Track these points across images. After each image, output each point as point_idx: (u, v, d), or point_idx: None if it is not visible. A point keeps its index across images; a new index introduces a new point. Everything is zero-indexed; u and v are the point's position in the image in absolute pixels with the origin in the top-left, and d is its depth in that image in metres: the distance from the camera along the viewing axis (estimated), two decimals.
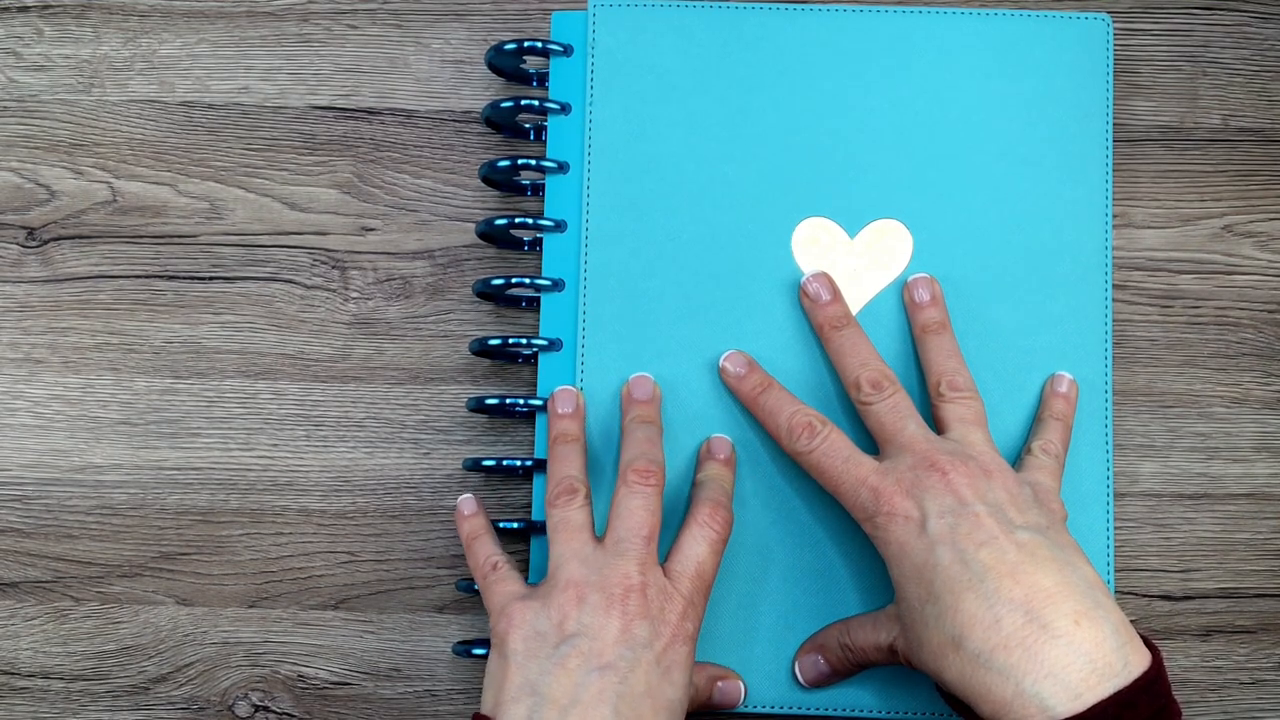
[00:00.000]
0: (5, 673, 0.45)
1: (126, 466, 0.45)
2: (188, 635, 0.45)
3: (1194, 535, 0.44)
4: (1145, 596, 0.44)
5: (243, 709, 0.44)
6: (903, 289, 0.43)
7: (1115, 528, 0.43)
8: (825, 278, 0.42)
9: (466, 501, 0.42)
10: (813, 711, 0.42)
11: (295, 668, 0.44)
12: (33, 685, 0.44)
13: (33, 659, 0.45)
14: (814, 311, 0.42)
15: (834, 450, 0.39)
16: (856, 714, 0.42)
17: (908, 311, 0.43)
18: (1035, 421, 0.42)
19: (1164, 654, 0.44)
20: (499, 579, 0.39)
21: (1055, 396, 0.42)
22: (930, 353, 0.41)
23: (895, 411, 0.39)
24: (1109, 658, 0.32)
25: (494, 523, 0.42)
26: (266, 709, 0.44)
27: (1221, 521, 0.45)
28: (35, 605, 0.45)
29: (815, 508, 0.42)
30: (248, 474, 0.45)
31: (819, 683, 0.41)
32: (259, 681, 0.44)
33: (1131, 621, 0.44)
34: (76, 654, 0.45)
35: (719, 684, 0.41)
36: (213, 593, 0.45)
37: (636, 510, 0.38)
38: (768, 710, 0.42)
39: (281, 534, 0.45)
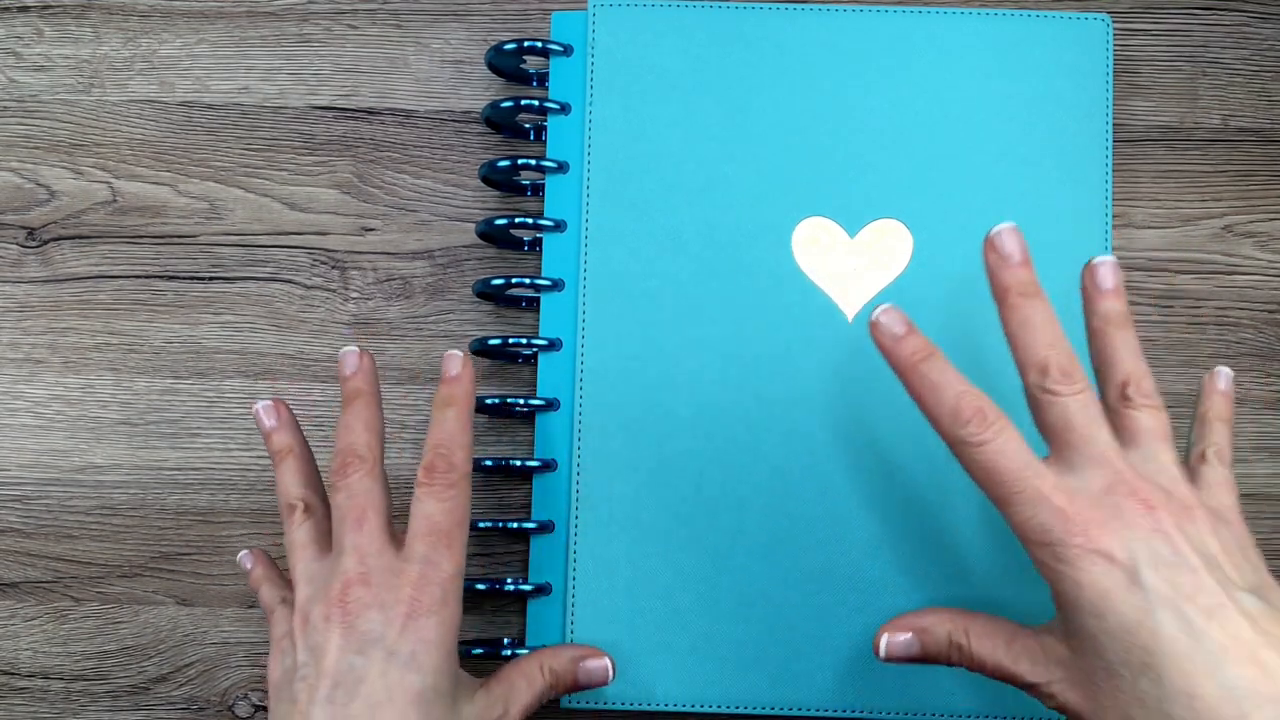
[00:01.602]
0: (5, 673, 0.45)
1: (126, 466, 0.45)
2: (188, 635, 0.45)
3: None
4: None
5: (243, 709, 0.44)
6: (1083, 272, 0.36)
7: None
8: (1018, 235, 0.35)
9: (244, 558, 0.41)
10: (810, 713, 0.42)
11: None
12: (33, 685, 0.44)
13: (33, 659, 0.45)
14: (999, 272, 0.35)
15: (1011, 449, 0.32)
16: (856, 715, 0.42)
17: (1084, 296, 0.36)
18: (1197, 421, 0.38)
19: None
20: (274, 623, 0.38)
21: (1216, 395, 0.37)
22: (1114, 349, 0.35)
23: (1087, 412, 0.33)
24: None
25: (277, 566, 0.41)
26: (266, 709, 0.44)
27: None
28: (35, 605, 0.45)
29: (816, 506, 0.42)
30: (248, 474, 0.45)
31: (901, 663, 0.37)
32: (259, 681, 0.44)
33: None
34: (76, 654, 0.45)
35: (583, 663, 0.39)
36: (213, 593, 0.45)
37: (340, 505, 0.36)
38: (766, 711, 0.42)
39: (281, 534, 0.45)
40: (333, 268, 0.46)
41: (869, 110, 0.44)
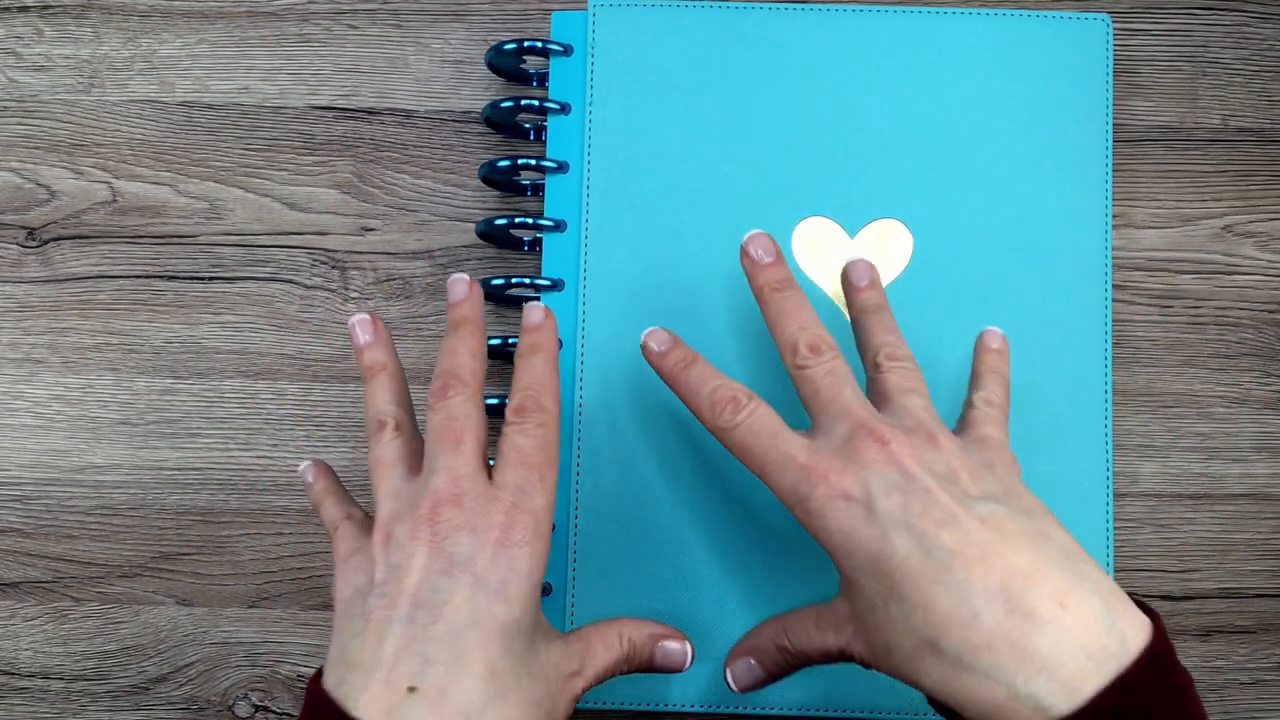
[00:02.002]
0: (5, 673, 0.45)
1: (126, 466, 0.45)
2: (188, 635, 0.45)
3: (1194, 535, 0.44)
4: (1145, 596, 0.44)
5: (243, 709, 0.44)
6: (841, 275, 0.39)
7: (1115, 528, 0.43)
8: (767, 238, 0.38)
9: (306, 470, 0.39)
10: (811, 713, 0.42)
11: (295, 668, 0.44)
12: (33, 685, 0.44)
13: (33, 659, 0.45)
14: (754, 274, 0.37)
15: (760, 425, 0.34)
16: (856, 714, 0.42)
17: (846, 296, 0.39)
18: (971, 377, 0.39)
19: None
20: (337, 539, 0.36)
21: (988, 352, 0.39)
22: (869, 329, 0.38)
23: (832, 375, 0.35)
24: (1102, 639, 0.28)
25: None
26: (266, 709, 0.44)
27: (1221, 521, 0.45)
28: (35, 605, 0.45)
29: None
30: (248, 474, 0.45)
31: (754, 688, 0.37)
32: (259, 681, 0.44)
33: None
34: (76, 654, 0.45)
35: (662, 643, 0.37)
36: (213, 593, 0.45)
37: (437, 425, 0.34)
38: (766, 711, 0.42)
39: (281, 534, 0.45)
40: (333, 268, 0.46)
41: (869, 110, 0.44)
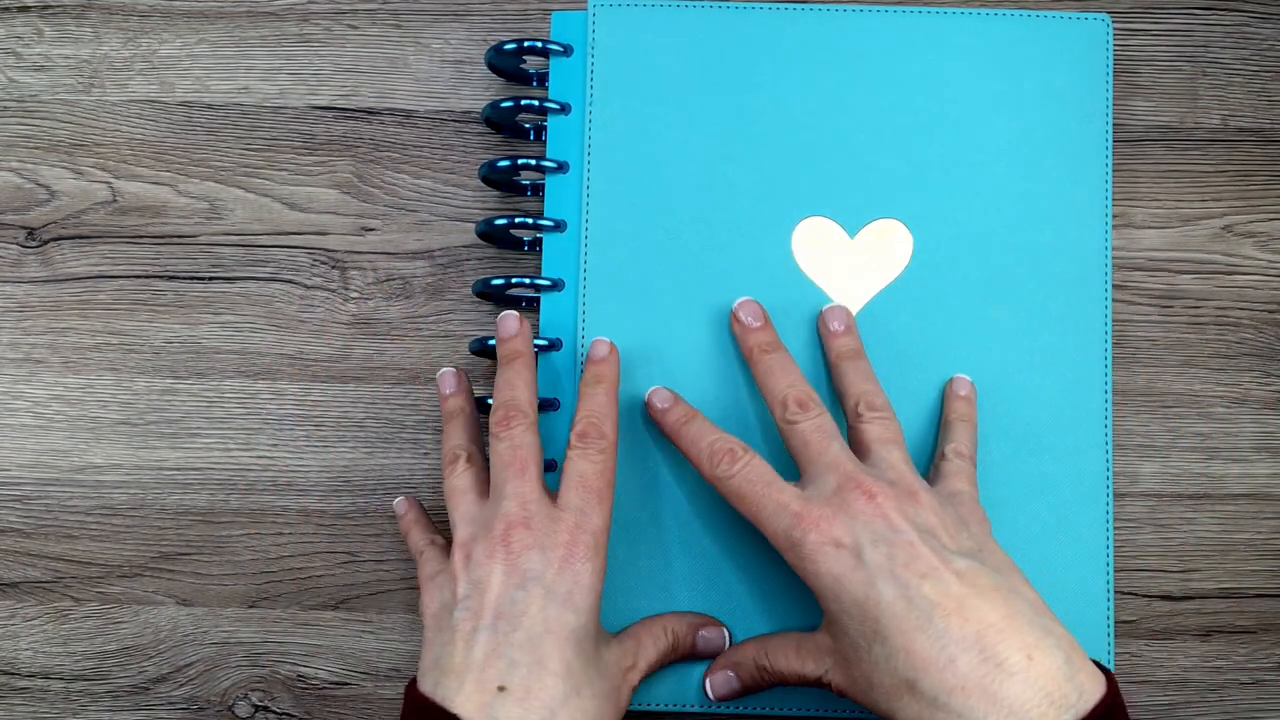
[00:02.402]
0: (5, 673, 0.45)
1: (126, 466, 0.45)
2: (188, 635, 0.45)
3: (1194, 535, 0.44)
4: (1145, 596, 0.44)
5: (243, 709, 0.44)
6: (817, 320, 0.43)
7: (1115, 528, 0.43)
8: (755, 305, 0.42)
9: (399, 504, 0.44)
10: (811, 713, 0.42)
11: (295, 668, 0.44)
12: (33, 685, 0.44)
13: (33, 659, 0.45)
14: (744, 337, 0.42)
15: (755, 475, 0.38)
16: (855, 715, 0.42)
17: (822, 341, 0.42)
18: (941, 425, 0.42)
19: (1157, 659, 0.44)
20: (423, 562, 0.41)
21: (957, 399, 0.42)
22: (847, 377, 0.41)
23: (820, 431, 0.38)
24: (1063, 688, 0.32)
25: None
26: (266, 709, 0.44)
27: (1221, 521, 0.45)
28: (35, 605, 0.45)
29: None
30: (248, 474, 0.45)
31: (729, 699, 0.41)
32: (259, 681, 0.44)
33: (1130, 622, 0.44)
34: (76, 654, 0.45)
35: (701, 632, 0.41)
36: (213, 593, 0.45)
37: (502, 454, 0.39)
38: (766, 711, 0.42)
39: (281, 534, 0.45)
40: (333, 268, 0.46)
41: (869, 110, 0.44)
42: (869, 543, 0.35)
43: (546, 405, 0.43)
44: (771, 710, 0.42)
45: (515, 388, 0.40)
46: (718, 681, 0.41)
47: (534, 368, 0.41)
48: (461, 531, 0.38)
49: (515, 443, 0.39)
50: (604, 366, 0.41)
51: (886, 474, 0.37)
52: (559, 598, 0.36)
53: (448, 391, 0.43)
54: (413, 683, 0.36)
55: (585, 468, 0.38)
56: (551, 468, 0.43)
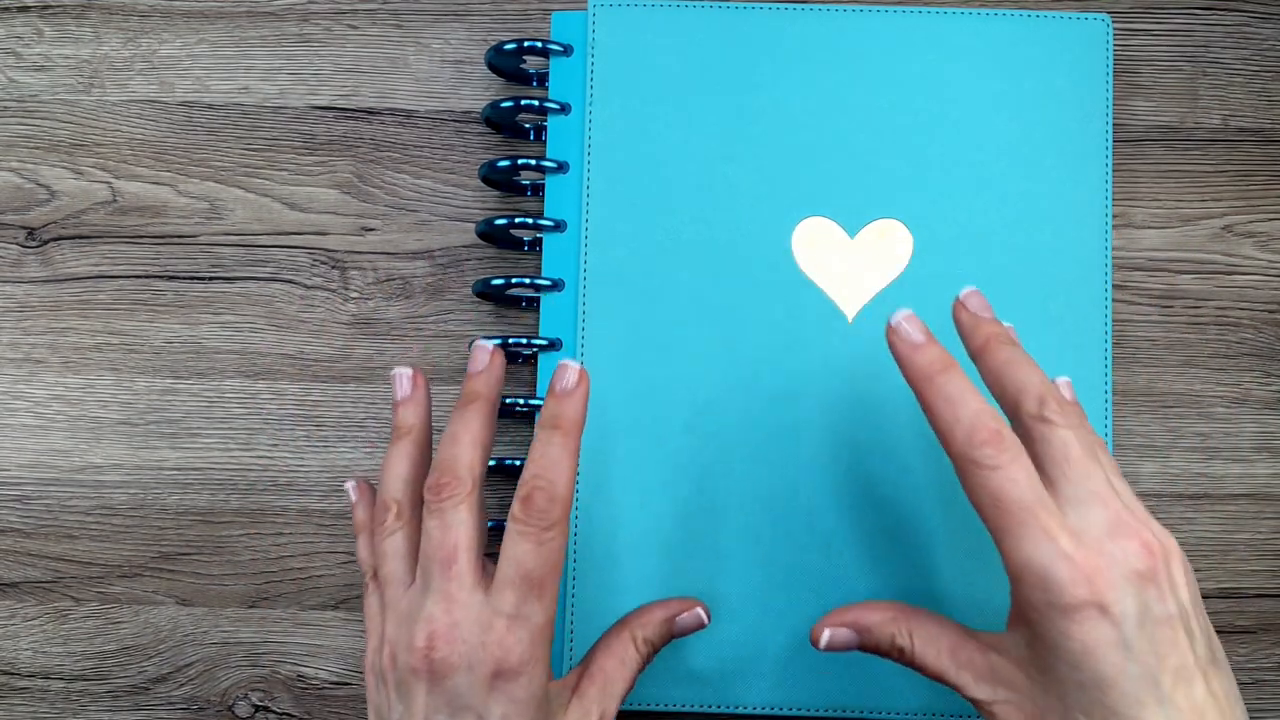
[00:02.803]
0: (5, 673, 0.45)
1: (126, 466, 0.45)
2: (188, 635, 0.45)
3: (1194, 535, 0.44)
4: None
5: (243, 709, 0.44)
6: (954, 306, 0.36)
7: None
8: (915, 319, 0.34)
9: (351, 487, 0.39)
10: (811, 713, 0.42)
11: (295, 668, 0.44)
12: (33, 685, 0.44)
13: (33, 659, 0.45)
14: (976, 329, 0.35)
15: (1022, 477, 0.31)
16: (847, 714, 0.42)
17: (963, 330, 0.35)
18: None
19: None
20: (367, 594, 0.37)
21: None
22: (1010, 366, 0.33)
23: (1086, 444, 0.31)
24: None
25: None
26: (266, 709, 0.44)
27: (1221, 521, 0.45)
28: (35, 605, 0.45)
29: (816, 505, 0.42)
30: (248, 474, 0.45)
31: (837, 652, 0.36)
32: (259, 681, 0.44)
33: None
34: (76, 654, 0.45)
35: (676, 620, 0.38)
36: (213, 593, 0.45)
37: (432, 536, 0.33)
38: (766, 711, 0.42)
39: (281, 534, 0.45)
40: (333, 268, 0.46)
41: (869, 110, 0.44)
42: (1135, 621, 0.30)
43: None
44: (774, 710, 0.42)
45: (459, 444, 0.34)
46: (838, 638, 0.35)
47: (491, 417, 0.35)
48: (389, 622, 0.34)
49: (445, 522, 0.33)
50: (567, 404, 0.34)
51: (1136, 513, 0.31)
52: (495, 703, 0.32)
53: (399, 396, 0.37)
54: None
55: (527, 552, 0.33)
56: None
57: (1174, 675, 0.30)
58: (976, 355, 0.34)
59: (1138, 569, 0.30)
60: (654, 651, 0.37)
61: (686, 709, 0.42)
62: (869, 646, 0.35)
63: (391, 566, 0.35)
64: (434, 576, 0.33)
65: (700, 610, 0.38)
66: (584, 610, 0.42)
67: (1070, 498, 0.31)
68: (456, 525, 0.33)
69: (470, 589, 0.33)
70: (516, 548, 0.33)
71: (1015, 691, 0.32)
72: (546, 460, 0.34)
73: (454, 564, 0.33)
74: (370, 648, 0.35)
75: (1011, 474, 0.31)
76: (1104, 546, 0.30)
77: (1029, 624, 0.31)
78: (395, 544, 0.35)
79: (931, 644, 0.34)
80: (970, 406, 0.32)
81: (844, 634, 0.35)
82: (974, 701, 0.33)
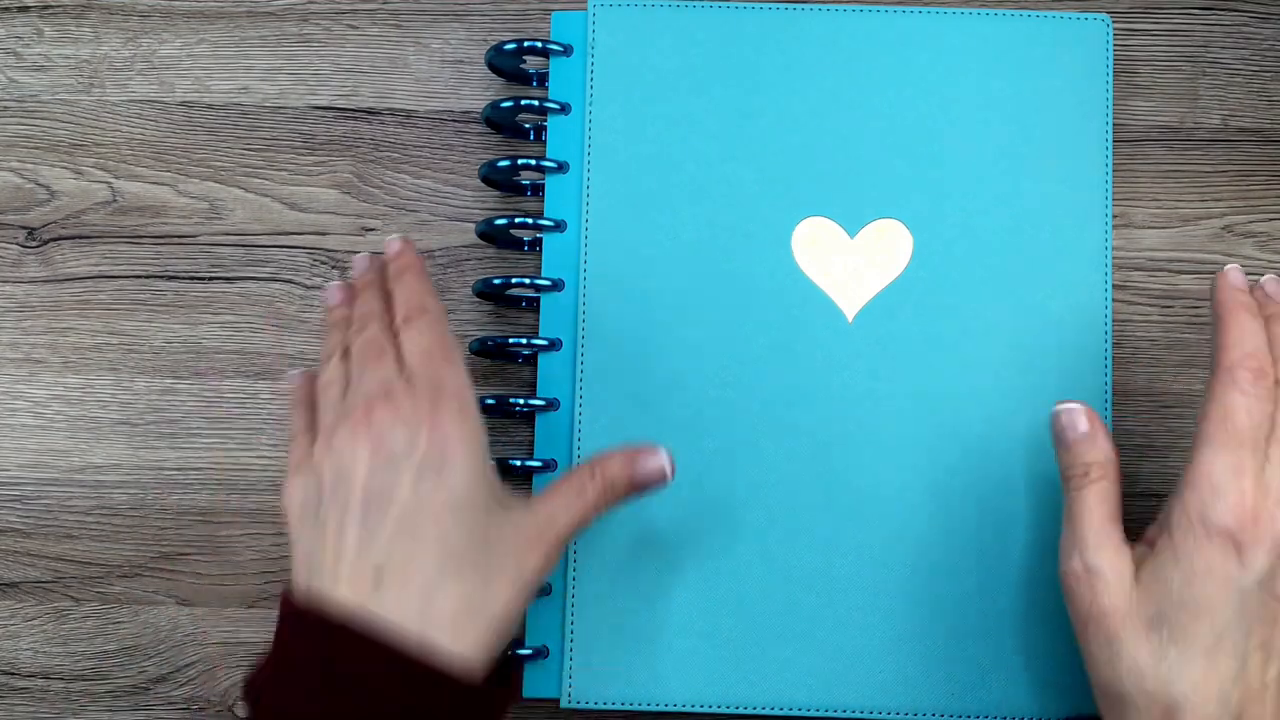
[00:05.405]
0: (5, 673, 0.45)
1: (126, 466, 0.45)
2: (188, 635, 0.45)
3: None
4: None
5: (243, 709, 0.44)
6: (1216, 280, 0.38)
7: None
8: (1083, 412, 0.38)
9: (293, 375, 0.40)
10: (811, 713, 0.42)
11: None
12: (33, 685, 0.44)
13: (33, 659, 0.45)
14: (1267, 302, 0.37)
15: (1257, 417, 0.34)
16: (855, 715, 0.42)
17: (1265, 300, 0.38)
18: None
19: None
20: (294, 448, 0.38)
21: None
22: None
23: None
24: None
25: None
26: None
27: None
28: (35, 605, 0.45)
29: (815, 505, 0.42)
30: (248, 474, 0.45)
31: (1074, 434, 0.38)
32: None
33: None
34: (76, 654, 0.45)
35: (635, 460, 0.37)
36: (213, 593, 0.45)
37: (359, 347, 0.37)
38: (766, 711, 0.42)
39: (281, 534, 0.45)
40: (333, 268, 0.46)
41: (869, 110, 0.44)
42: (1259, 577, 0.33)
43: (547, 406, 0.43)
44: (772, 710, 0.42)
45: (372, 304, 0.38)
46: (1085, 421, 0.38)
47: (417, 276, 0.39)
48: (325, 418, 0.36)
49: (368, 337, 0.36)
50: (403, 258, 0.39)
51: None
52: (430, 473, 0.33)
53: (334, 302, 0.40)
54: (286, 594, 0.34)
55: (420, 341, 0.36)
56: (553, 467, 0.43)
57: (1262, 647, 0.32)
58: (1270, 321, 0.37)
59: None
60: (613, 492, 0.37)
61: (687, 709, 0.42)
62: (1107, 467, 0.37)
63: (331, 388, 0.37)
64: (365, 369, 0.36)
65: (663, 455, 0.37)
66: (584, 610, 0.42)
67: (1277, 460, 0.33)
68: (380, 337, 0.37)
69: (396, 372, 0.35)
70: (412, 343, 0.36)
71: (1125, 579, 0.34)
72: (407, 291, 0.38)
73: (384, 355, 0.36)
74: (292, 477, 0.36)
75: (1251, 406, 0.33)
76: (1277, 508, 0.32)
77: (1169, 533, 0.34)
78: (339, 371, 0.37)
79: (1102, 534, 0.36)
80: (1258, 340, 0.35)
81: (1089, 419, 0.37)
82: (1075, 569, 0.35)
